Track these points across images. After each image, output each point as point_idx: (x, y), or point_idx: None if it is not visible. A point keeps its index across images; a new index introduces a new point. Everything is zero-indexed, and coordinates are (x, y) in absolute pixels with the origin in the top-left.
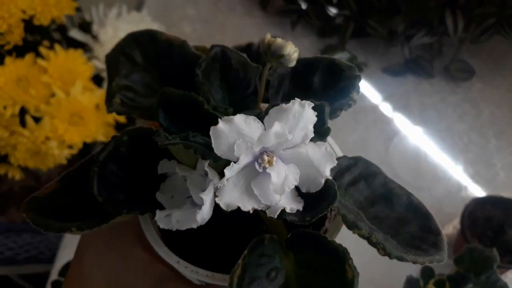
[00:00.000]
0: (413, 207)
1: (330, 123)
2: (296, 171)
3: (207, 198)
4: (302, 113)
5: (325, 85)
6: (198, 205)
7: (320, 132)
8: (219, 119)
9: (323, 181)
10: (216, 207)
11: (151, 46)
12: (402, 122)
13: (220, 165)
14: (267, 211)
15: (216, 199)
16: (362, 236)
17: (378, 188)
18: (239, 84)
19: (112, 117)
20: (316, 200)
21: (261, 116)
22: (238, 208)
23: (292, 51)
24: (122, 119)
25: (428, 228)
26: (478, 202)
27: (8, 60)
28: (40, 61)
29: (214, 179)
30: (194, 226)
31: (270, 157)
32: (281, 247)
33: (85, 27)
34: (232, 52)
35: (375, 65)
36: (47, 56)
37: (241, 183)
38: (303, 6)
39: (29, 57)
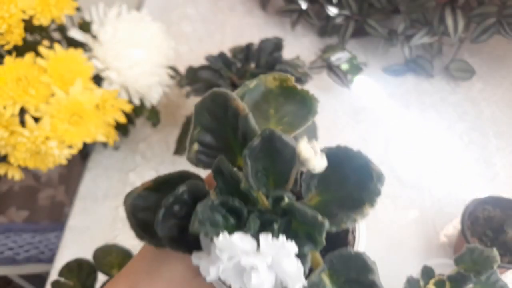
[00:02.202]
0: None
1: (330, 123)
2: (272, 279)
3: (213, 271)
4: (284, 247)
5: (357, 183)
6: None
7: (316, 242)
8: (220, 234)
9: None
10: None
11: (225, 107)
12: (402, 122)
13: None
14: None
15: (218, 273)
16: None
17: (366, 286)
18: (280, 160)
19: (112, 118)
20: None
21: (283, 205)
22: None
23: (317, 166)
24: (122, 119)
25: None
26: (478, 202)
27: (7, 59)
28: (40, 61)
29: (221, 258)
30: (209, 280)
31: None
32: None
33: (85, 27)
34: (280, 136)
35: (375, 64)
36: (47, 56)
37: (235, 270)
38: (303, 5)
39: (29, 56)
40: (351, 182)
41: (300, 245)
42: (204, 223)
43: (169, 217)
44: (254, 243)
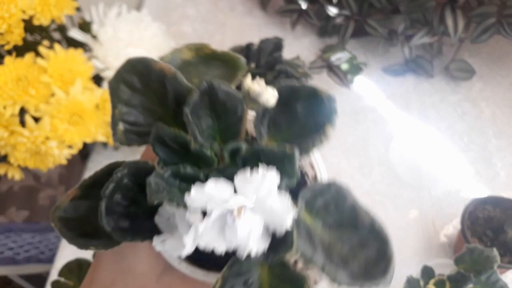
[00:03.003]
0: (375, 231)
1: None
2: (261, 223)
3: (188, 240)
4: (264, 179)
5: (306, 114)
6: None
7: (290, 175)
8: (192, 188)
9: (284, 229)
10: None
11: (146, 74)
12: (402, 122)
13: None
14: (236, 252)
15: (196, 240)
16: (317, 268)
17: (346, 212)
18: (226, 113)
19: None
20: (279, 241)
21: (243, 155)
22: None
23: (268, 98)
24: None
25: (383, 253)
26: (478, 202)
27: (8, 60)
28: (40, 61)
29: (195, 222)
30: (182, 256)
31: (239, 210)
32: (257, 260)
33: (85, 27)
34: (220, 85)
35: (375, 64)
36: (47, 56)
37: (216, 228)
38: (303, 6)
39: (29, 57)
40: (300, 115)
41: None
42: (162, 192)
43: (114, 208)
44: (231, 187)
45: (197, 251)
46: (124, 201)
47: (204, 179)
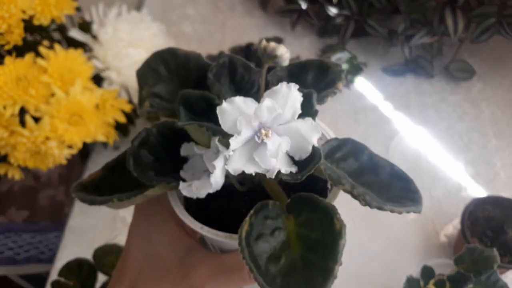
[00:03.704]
0: (396, 174)
1: (330, 123)
2: (288, 141)
3: (218, 164)
4: (289, 93)
5: (315, 81)
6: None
7: (310, 114)
8: (223, 100)
9: (310, 148)
10: (228, 188)
11: (172, 60)
12: (402, 122)
13: (228, 141)
14: (266, 174)
15: (226, 166)
16: (345, 190)
17: (365, 161)
18: (244, 85)
19: (112, 117)
20: (306, 161)
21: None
22: (245, 176)
23: (284, 52)
24: (122, 119)
25: (407, 189)
26: (478, 202)
27: (8, 60)
28: (40, 61)
29: (223, 151)
30: (210, 191)
31: (266, 131)
32: (282, 211)
33: (85, 27)
34: (238, 59)
35: (375, 65)
36: (47, 56)
37: (245, 153)
38: (303, 6)
39: (29, 57)
40: (310, 84)
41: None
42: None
43: (141, 159)
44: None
45: (216, 219)
46: (151, 155)
47: None
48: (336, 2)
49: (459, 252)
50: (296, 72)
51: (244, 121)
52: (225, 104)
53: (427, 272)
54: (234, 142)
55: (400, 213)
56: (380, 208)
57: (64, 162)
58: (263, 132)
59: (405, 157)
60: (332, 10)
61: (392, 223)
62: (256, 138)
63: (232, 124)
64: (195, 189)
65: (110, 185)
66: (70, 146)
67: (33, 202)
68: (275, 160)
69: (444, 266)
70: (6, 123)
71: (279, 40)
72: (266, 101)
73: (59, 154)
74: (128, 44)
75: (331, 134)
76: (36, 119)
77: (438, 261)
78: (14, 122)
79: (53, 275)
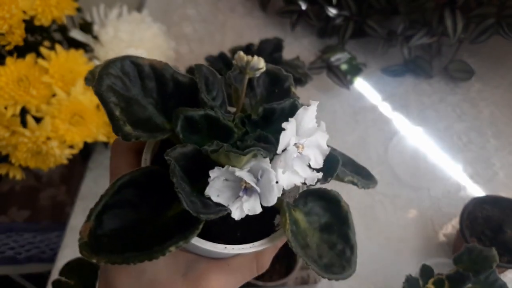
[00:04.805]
0: (347, 159)
1: (330, 123)
2: (317, 152)
3: (281, 177)
4: (306, 111)
5: (270, 86)
6: (255, 192)
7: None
8: (284, 124)
9: (326, 154)
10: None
11: (133, 72)
12: (401, 122)
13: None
14: (306, 181)
15: (278, 183)
16: (350, 182)
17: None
18: (216, 95)
19: None
20: (326, 168)
21: (254, 120)
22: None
23: (258, 62)
24: None
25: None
26: (477, 202)
27: (9, 60)
28: (41, 62)
29: (270, 167)
30: (267, 204)
31: (301, 145)
32: (291, 207)
33: (86, 27)
34: (207, 68)
35: (374, 65)
36: (48, 57)
37: (288, 165)
38: (303, 6)
39: (30, 57)
40: (278, 83)
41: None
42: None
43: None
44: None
45: (219, 232)
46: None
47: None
48: (336, 3)
49: (458, 252)
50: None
51: (294, 138)
52: (287, 127)
53: (426, 271)
54: (282, 159)
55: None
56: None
57: (65, 162)
58: (300, 147)
59: (404, 157)
60: (332, 11)
61: (392, 222)
62: (295, 152)
63: (287, 144)
64: (247, 210)
65: (112, 234)
66: (71, 146)
67: (34, 202)
68: (311, 171)
69: (443, 266)
70: (8, 123)
71: (279, 41)
72: (311, 123)
73: (60, 154)
74: (129, 45)
75: None
76: (37, 119)
77: (437, 260)
78: (15, 122)
79: (54, 275)
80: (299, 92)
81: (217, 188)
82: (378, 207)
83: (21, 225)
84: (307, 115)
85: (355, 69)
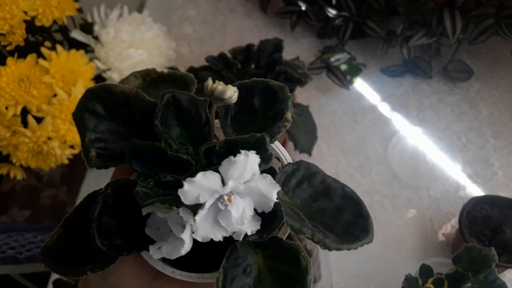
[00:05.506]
0: (347, 196)
1: (329, 123)
2: (251, 203)
3: (186, 237)
4: (247, 160)
5: (264, 106)
6: (181, 237)
7: (265, 159)
8: (183, 182)
9: (272, 205)
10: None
11: (109, 98)
12: (400, 122)
13: (192, 207)
14: (233, 236)
15: (193, 235)
16: (307, 237)
17: (318, 185)
18: (192, 119)
19: None
20: (269, 218)
21: (218, 153)
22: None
23: (232, 94)
24: None
25: (359, 214)
26: (476, 202)
27: (10, 60)
28: (41, 62)
29: (189, 220)
30: (182, 254)
31: (229, 196)
32: (250, 247)
33: (87, 28)
34: (182, 94)
35: (374, 65)
36: (49, 57)
37: (210, 219)
38: (303, 7)
39: (31, 57)
40: (259, 109)
41: None
42: (152, 197)
43: (104, 228)
44: (218, 176)
45: (185, 257)
46: (112, 220)
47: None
48: (335, 3)
49: (458, 251)
50: (244, 96)
51: (207, 195)
52: (186, 186)
53: (425, 271)
54: (198, 216)
55: (355, 248)
56: (338, 249)
57: (66, 161)
58: (226, 199)
59: (403, 157)
60: (331, 12)
61: (391, 222)
62: (220, 205)
63: (195, 199)
64: (165, 253)
65: (75, 241)
66: (72, 146)
67: (35, 202)
68: (240, 223)
69: (442, 265)
70: (8, 123)
71: (279, 41)
72: (230, 183)
73: (61, 154)
74: (130, 45)
75: (287, 158)
76: (38, 119)
77: (436, 260)
78: (16, 122)
79: (55, 274)
80: (299, 92)
81: (152, 221)
82: (377, 206)
83: (22, 224)
84: (247, 163)
85: (355, 70)
